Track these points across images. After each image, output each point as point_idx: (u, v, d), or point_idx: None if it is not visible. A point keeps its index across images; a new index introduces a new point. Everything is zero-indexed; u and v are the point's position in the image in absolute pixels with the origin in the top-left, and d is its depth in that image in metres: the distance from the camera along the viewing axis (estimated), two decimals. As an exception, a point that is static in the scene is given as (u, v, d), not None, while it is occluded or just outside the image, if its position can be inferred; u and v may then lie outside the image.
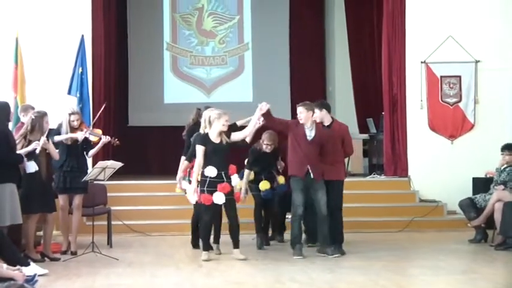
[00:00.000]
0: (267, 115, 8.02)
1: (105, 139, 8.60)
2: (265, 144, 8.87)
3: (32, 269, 6.74)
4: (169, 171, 9.96)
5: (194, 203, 8.28)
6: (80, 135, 8.43)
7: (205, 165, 7.89)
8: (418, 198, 11.20)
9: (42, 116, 7.87)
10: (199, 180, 7.94)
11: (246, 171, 8.85)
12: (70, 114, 8.50)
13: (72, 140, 8.44)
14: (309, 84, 15.56)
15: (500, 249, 8.67)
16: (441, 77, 11.52)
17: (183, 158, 8.66)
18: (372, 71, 14.34)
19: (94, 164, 8.73)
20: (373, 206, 11.03)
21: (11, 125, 8.28)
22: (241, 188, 8.70)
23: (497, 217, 8.95)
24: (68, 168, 8.42)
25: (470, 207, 9.46)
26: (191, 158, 8.29)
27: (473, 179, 10.87)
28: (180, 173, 8.58)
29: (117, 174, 8.50)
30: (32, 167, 7.70)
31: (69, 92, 10.60)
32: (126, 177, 11.02)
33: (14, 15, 10.92)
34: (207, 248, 8.08)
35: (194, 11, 15.93)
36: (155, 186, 11.35)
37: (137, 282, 6.90)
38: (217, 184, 7.86)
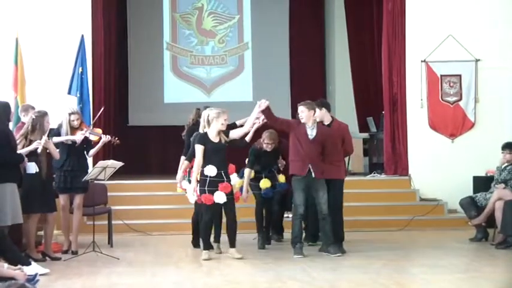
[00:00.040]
0: (267, 112, 7.99)
1: (106, 138, 8.60)
2: (266, 143, 8.85)
3: (33, 268, 6.74)
4: (169, 171, 9.96)
5: (193, 202, 8.29)
6: (79, 136, 8.44)
7: (204, 164, 7.88)
8: (418, 197, 11.19)
9: (42, 115, 7.87)
10: (198, 179, 7.94)
11: (247, 171, 8.80)
12: (70, 114, 8.51)
13: (72, 140, 8.46)
14: (309, 83, 15.55)
15: (501, 247, 8.67)
16: (441, 75, 11.52)
17: (183, 157, 8.66)
18: (372, 69, 14.31)
19: (94, 163, 8.74)
20: (374, 205, 11.02)
21: (11, 125, 8.27)
22: (240, 188, 8.70)
23: (498, 216, 8.94)
24: (69, 168, 8.42)
25: (471, 205, 9.45)
26: (191, 157, 8.28)
27: (474, 177, 10.87)
28: (180, 173, 8.59)
29: (117, 174, 8.50)
30: (32, 168, 7.70)
31: (69, 92, 10.60)
32: (127, 176, 11.02)
33: (14, 15, 10.92)
34: (208, 247, 8.08)
35: (194, 10, 15.93)
36: (155, 186, 11.35)
37: (138, 281, 6.90)
38: (218, 183, 7.86)
